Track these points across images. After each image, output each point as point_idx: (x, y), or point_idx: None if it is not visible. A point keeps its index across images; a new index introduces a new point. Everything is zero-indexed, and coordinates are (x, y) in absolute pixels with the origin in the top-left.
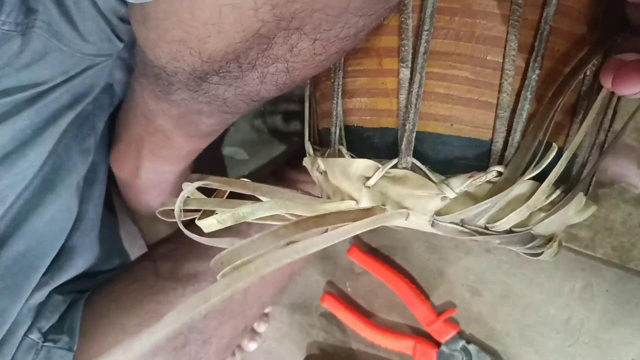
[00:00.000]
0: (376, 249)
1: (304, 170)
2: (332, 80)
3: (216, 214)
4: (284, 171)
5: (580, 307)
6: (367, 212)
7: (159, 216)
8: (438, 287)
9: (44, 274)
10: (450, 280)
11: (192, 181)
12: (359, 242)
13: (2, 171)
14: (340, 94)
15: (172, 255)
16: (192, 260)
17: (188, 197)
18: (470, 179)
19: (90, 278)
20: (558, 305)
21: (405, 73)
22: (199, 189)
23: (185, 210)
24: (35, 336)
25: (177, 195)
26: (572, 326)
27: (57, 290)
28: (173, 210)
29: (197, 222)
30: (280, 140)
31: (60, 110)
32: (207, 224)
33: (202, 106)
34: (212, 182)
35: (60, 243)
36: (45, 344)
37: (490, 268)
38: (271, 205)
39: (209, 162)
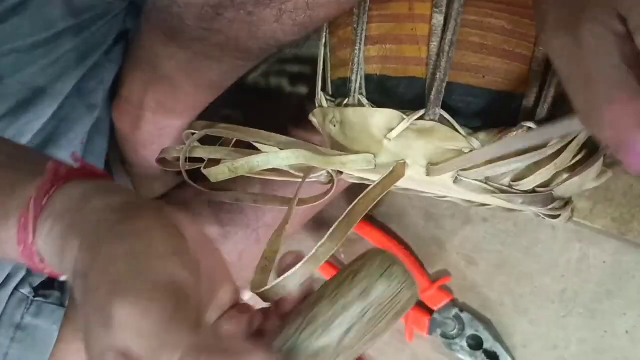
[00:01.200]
0: (372, 216)
1: (309, 128)
2: (355, 25)
3: (225, 162)
4: (286, 130)
5: (576, 278)
6: (385, 169)
7: (158, 164)
8: (434, 255)
9: None
10: (446, 248)
11: (196, 128)
12: None
13: (12, 122)
14: (363, 39)
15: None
16: (187, 218)
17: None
18: (501, 134)
19: None
20: (554, 275)
21: (438, 19)
22: (200, 140)
23: (188, 160)
24: (26, 290)
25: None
26: (567, 297)
27: None
28: (172, 159)
29: (204, 171)
30: (281, 103)
31: (72, 60)
32: (217, 172)
33: (213, 49)
34: (221, 130)
35: None
36: (36, 298)
37: (487, 237)
38: (287, 155)
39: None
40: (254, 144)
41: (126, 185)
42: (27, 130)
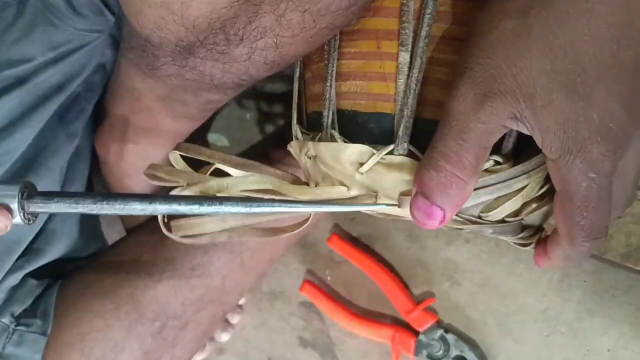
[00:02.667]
0: (356, 238)
1: (290, 154)
2: (326, 62)
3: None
4: (268, 153)
5: (558, 297)
6: (357, 200)
7: (147, 177)
8: (417, 277)
9: (20, 257)
10: (430, 269)
11: (181, 150)
12: (339, 231)
13: None
14: (334, 76)
15: (148, 240)
16: (170, 245)
17: (173, 167)
18: None
19: (67, 263)
20: (536, 295)
21: (404, 57)
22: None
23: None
24: (7, 320)
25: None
26: (550, 316)
27: (32, 274)
28: (160, 175)
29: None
30: (263, 127)
31: (50, 90)
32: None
33: (189, 84)
34: (196, 153)
35: (38, 227)
36: (18, 327)
37: (470, 258)
38: (257, 178)
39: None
40: (229, 170)
41: (113, 218)
42: (5, 160)
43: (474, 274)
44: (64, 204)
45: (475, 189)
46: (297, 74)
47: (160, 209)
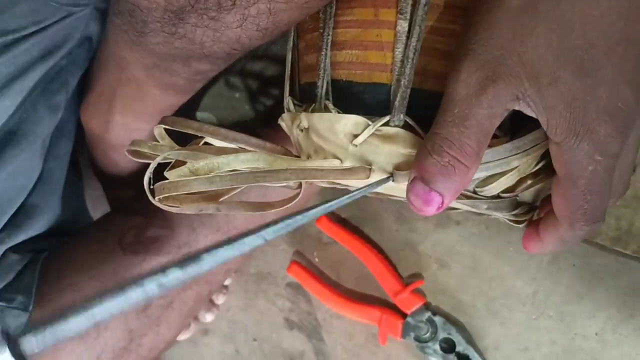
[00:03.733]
0: (345, 219)
1: (279, 131)
2: (321, 30)
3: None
4: (257, 132)
5: (547, 280)
6: (350, 172)
7: (128, 155)
8: (406, 259)
9: (0, 232)
10: (419, 251)
11: (167, 123)
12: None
13: None
14: (329, 45)
15: (134, 218)
16: (156, 223)
17: (158, 142)
18: None
19: (50, 239)
20: (525, 278)
21: (403, 25)
22: (176, 142)
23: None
24: None
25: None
26: (538, 299)
27: (14, 249)
28: (144, 151)
29: (166, 173)
30: (252, 106)
31: (31, 62)
32: (178, 174)
33: (178, 52)
34: (183, 126)
35: (19, 200)
36: None
37: (459, 240)
38: (248, 157)
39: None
40: (219, 144)
41: (97, 190)
42: None
43: (463, 257)
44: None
45: None
46: (291, 44)
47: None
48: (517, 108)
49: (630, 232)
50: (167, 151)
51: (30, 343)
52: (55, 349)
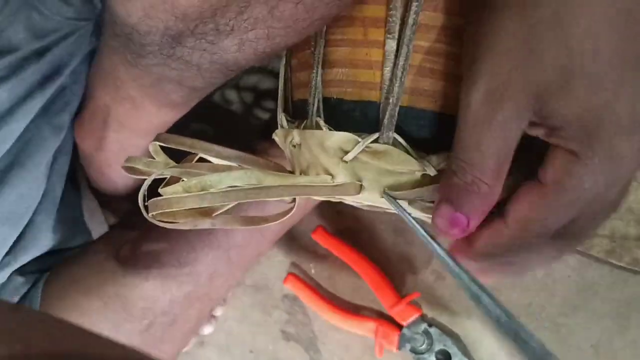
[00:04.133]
0: (342, 231)
1: (274, 144)
2: (312, 49)
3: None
4: (252, 145)
5: (542, 292)
6: (341, 188)
7: (124, 171)
8: (402, 271)
9: (6, 255)
10: (415, 264)
11: (162, 141)
12: (324, 224)
13: None
14: (320, 63)
15: (133, 235)
16: (155, 241)
17: (153, 159)
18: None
19: (52, 256)
20: (520, 290)
21: (391, 45)
22: (171, 157)
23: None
24: None
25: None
26: (533, 311)
27: (19, 271)
28: (139, 167)
29: (160, 190)
30: (247, 119)
31: (39, 82)
32: (171, 192)
33: (175, 73)
34: (177, 143)
35: (25, 222)
36: None
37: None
38: (240, 174)
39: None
40: (212, 160)
41: (95, 208)
42: None
43: None
44: None
45: None
46: (284, 62)
47: None
48: (527, 130)
49: (624, 244)
50: (162, 168)
51: None
52: None
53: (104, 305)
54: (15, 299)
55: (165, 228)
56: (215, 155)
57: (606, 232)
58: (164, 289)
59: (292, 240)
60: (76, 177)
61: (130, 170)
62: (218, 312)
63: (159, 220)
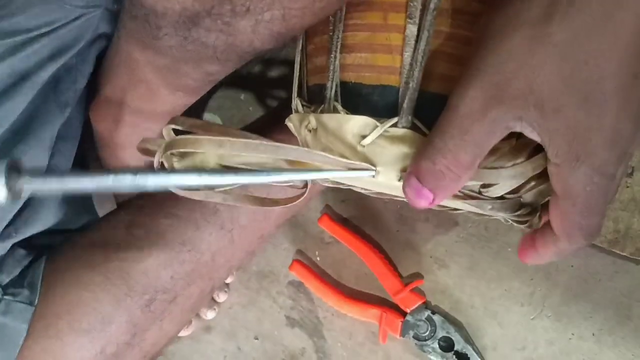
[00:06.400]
0: (347, 219)
1: (284, 132)
2: (331, 33)
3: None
4: (262, 133)
5: (545, 281)
6: (356, 166)
7: (139, 152)
8: (406, 259)
9: (8, 226)
10: (419, 252)
11: (177, 123)
12: (330, 212)
13: None
14: (338, 47)
15: (140, 214)
16: (160, 219)
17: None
18: None
19: (56, 235)
20: (523, 279)
21: (412, 29)
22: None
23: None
24: None
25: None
26: (536, 300)
27: (21, 244)
28: (154, 149)
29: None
30: (257, 107)
31: (43, 60)
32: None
33: (190, 55)
34: (192, 126)
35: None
36: (5, 297)
37: (459, 241)
38: (258, 145)
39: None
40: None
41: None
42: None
43: (462, 257)
44: (52, 181)
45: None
46: (299, 47)
47: (150, 182)
48: (518, 130)
49: (627, 234)
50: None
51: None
52: (61, 342)
53: (105, 280)
54: (17, 270)
55: (174, 209)
56: (231, 136)
57: (610, 222)
58: (166, 265)
59: (298, 228)
60: (86, 162)
61: (144, 151)
62: (221, 298)
63: (174, 188)
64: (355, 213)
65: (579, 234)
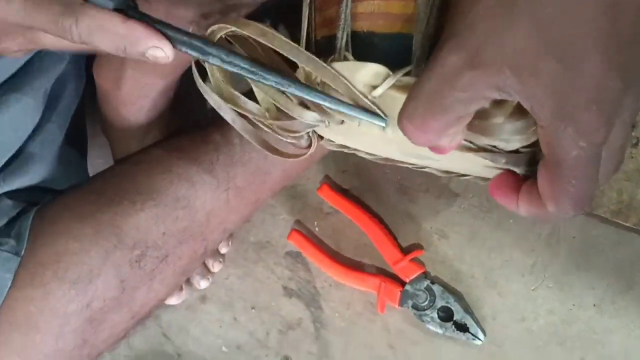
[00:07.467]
0: (347, 190)
1: None
2: None
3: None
4: None
5: (546, 251)
6: (371, 107)
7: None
8: (406, 229)
9: None
10: (419, 222)
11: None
12: (329, 182)
13: None
14: None
15: (134, 170)
16: (155, 175)
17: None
18: None
19: (45, 192)
20: (524, 249)
21: None
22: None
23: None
24: None
25: (158, 113)
26: (537, 270)
27: (8, 195)
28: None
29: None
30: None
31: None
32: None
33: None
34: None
35: (16, 146)
36: None
37: (459, 212)
38: (293, 48)
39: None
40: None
41: (101, 159)
42: None
43: (462, 228)
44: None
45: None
46: (307, 0)
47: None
48: (498, 97)
49: (631, 205)
50: None
51: None
52: (45, 291)
53: (95, 232)
54: (4, 220)
55: (171, 167)
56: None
57: (614, 193)
58: (159, 221)
59: (297, 198)
60: (84, 124)
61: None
62: (215, 268)
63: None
64: (355, 184)
65: (566, 202)
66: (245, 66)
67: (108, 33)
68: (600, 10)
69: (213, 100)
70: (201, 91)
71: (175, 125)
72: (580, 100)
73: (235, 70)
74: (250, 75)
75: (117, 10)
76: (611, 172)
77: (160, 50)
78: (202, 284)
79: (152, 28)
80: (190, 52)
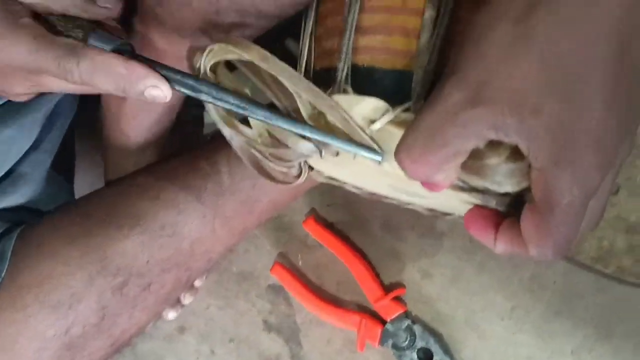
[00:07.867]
0: (332, 224)
1: None
2: (346, 14)
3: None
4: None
5: (527, 296)
6: (368, 141)
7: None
8: (390, 267)
9: None
10: (403, 260)
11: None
12: (315, 215)
13: None
14: (353, 29)
15: (123, 193)
16: (144, 200)
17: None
18: None
19: (30, 212)
20: (505, 293)
21: (431, 13)
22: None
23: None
24: None
25: (164, 126)
26: (517, 315)
27: None
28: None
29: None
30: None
31: None
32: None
33: (194, 16)
34: (244, 48)
35: (8, 166)
36: None
37: (443, 252)
38: (293, 75)
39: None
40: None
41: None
42: None
43: (446, 268)
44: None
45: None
46: (309, 31)
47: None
48: (494, 137)
49: (611, 251)
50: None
51: None
52: (26, 314)
53: (82, 255)
54: None
55: (155, 188)
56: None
57: (594, 240)
58: (144, 248)
59: (281, 230)
60: (72, 144)
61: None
62: (186, 300)
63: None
64: (341, 218)
65: (549, 247)
66: (235, 102)
67: (108, 73)
68: (612, 50)
69: (213, 114)
70: (204, 105)
71: (172, 148)
72: (580, 143)
73: (225, 106)
74: (240, 110)
75: (115, 51)
76: (597, 220)
77: (159, 90)
78: (171, 315)
79: (151, 68)
80: (183, 90)
